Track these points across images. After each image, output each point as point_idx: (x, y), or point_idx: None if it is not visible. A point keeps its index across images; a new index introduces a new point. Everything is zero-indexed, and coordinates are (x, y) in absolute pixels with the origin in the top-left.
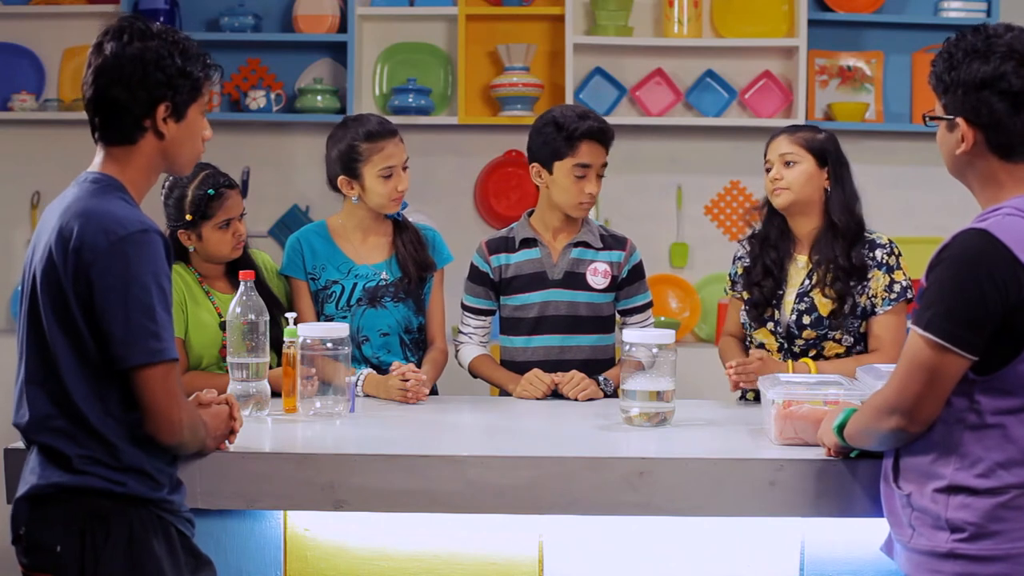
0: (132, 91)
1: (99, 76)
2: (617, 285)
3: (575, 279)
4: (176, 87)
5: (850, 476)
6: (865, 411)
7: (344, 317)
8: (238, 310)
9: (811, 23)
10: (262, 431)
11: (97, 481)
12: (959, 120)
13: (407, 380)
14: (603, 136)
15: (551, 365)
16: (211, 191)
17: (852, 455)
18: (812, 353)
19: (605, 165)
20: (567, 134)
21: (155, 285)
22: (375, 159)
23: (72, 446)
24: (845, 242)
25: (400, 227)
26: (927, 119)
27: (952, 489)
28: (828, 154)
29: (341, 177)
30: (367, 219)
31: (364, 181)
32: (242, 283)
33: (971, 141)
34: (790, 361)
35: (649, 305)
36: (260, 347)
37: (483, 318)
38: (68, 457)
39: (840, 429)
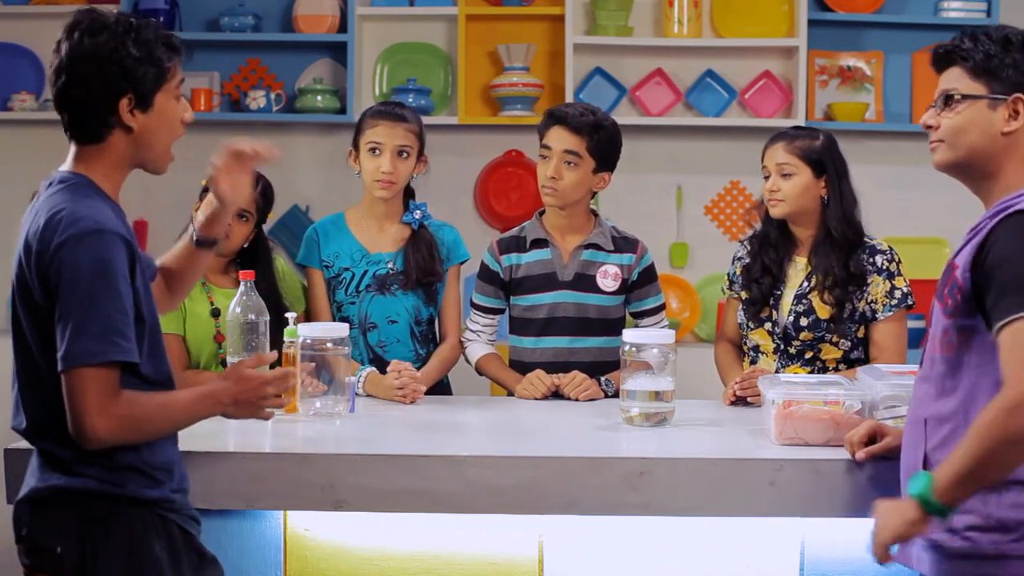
0: (90, 89)
1: (58, 77)
2: (628, 288)
3: (585, 281)
4: (136, 78)
5: (850, 476)
6: (980, 431)
7: (352, 303)
8: (238, 310)
9: (811, 23)
10: (262, 431)
11: (94, 483)
12: (1020, 96)
13: (402, 380)
14: (565, 120)
15: (559, 366)
16: None
17: (944, 517)
18: (808, 355)
19: (577, 155)
20: (544, 119)
21: (106, 286)
22: (367, 133)
23: (68, 448)
24: (843, 252)
25: (417, 232)
26: (956, 97)
27: (1003, 486)
28: (825, 162)
29: (350, 149)
30: (382, 210)
31: (360, 155)
32: (242, 283)
33: None
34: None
35: (661, 307)
36: (260, 347)
37: (492, 317)
38: (65, 460)
39: (926, 491)
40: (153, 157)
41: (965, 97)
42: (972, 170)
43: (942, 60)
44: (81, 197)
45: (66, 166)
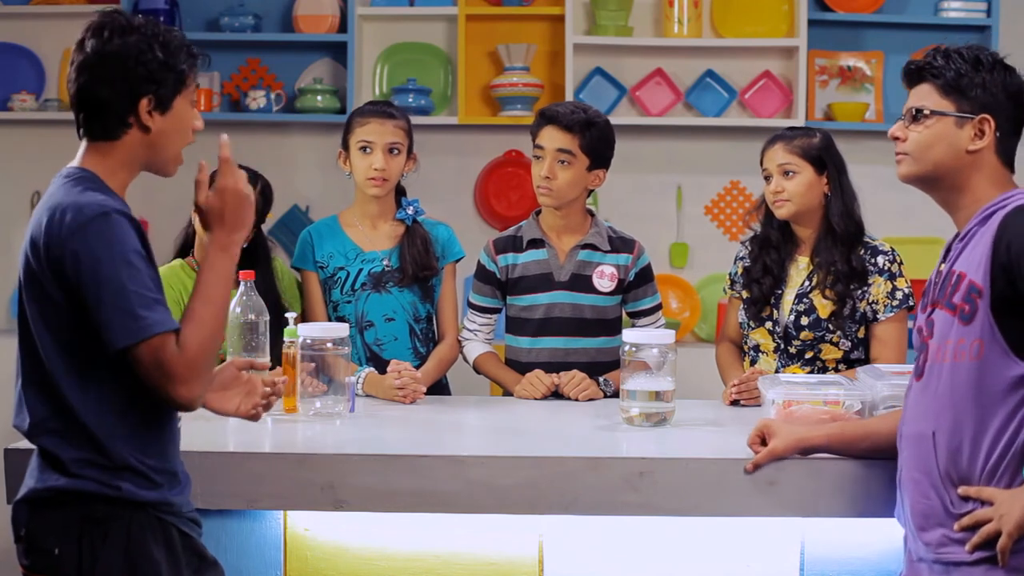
0: (114, 87)
1: (80, 74)
2: (624, 288)
3: (581, 281)
4: (159, 80)
5: (850, 476)
6: None
7: (348, 302)
8: (238, 310)
9: (811, 23)
10: (262, 431)
11: (92, 485)
12: (987, 116)
13: (402, 380)
14: (556, 119)
15: (556, 367)
16: None
17: None
18: (808, 355)
19: (570, 154)
20: (536, 119)
21: (123, 264)
22: (357, 131)
23: (67, 448)
24: (845, 247)
25: (411, 227)
26: (926, 112)
27: None
28: (825, 159)
29: (340, 150)
30: (375, 209)
31: (350, 154)
32: (242, 283)
33: (992, 139)
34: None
35: (658, 308)
36: (260, 347)
37: (489, 316)
38: (63, 461)
39: None
40: (164, 159)
41: (934, 113)
42: (937, 183)
43: (913, 75)
44: (84, 189)
45: (74, 163)
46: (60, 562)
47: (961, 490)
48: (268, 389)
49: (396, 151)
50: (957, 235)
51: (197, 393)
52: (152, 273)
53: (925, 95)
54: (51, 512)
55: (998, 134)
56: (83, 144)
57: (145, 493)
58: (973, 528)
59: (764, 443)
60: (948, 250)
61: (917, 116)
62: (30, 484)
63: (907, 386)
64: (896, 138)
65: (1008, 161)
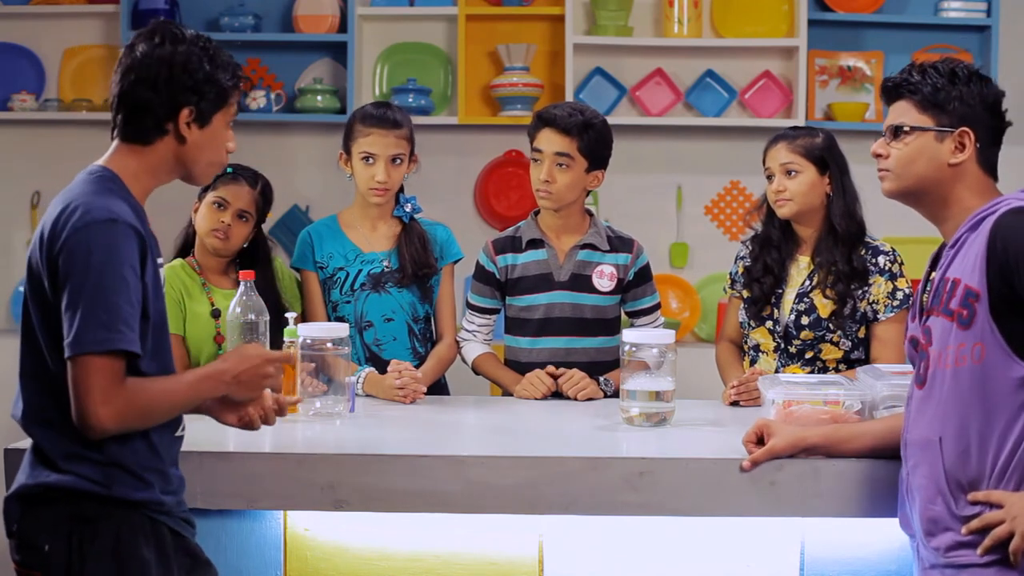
0: (157, 91)
1: (126, 74)
2: (624, 288)
3: (581, 281)
4: (202, 93)
5: (850, 476)
6: None
7: (348, 302)
8: (238, 310)
9: (811, 23)
10: (262, 431)
11: (83, 482)
12: (966, 129)
13: (403, 380)
14: (554, 122)
15: (556, 367)
16: (229, 169)
17: None
18: (809, 355)
19: (569, 157)
20: (533, 121)
21: (115, 275)
22: (360, 140)
23: (59, 442)
24: (846, 247)
25: (408, 226)
26: (906, 129)
27: None
28: (828, 159)
29: (341, 151)
30: (375, 211)
31: (352, 160)
32: (242, 283)
33: (972, 151)
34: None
35: (657, 307)
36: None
37: (488, 317)
38: (55, 455)
39: None
40: (196, 173)
41: (913, 129)
42: (921, 197)
43: (891, 92)
44: (101, 191)
45: (100, 161)
46: (49, 559)
47: (970, 495)
48: (274, 405)
49: (399, 161)
50: (945, 244)
51: (113, 425)
52: (140, 291)
53: (904, 111)
54: (41, 509)
55: (978, 145)
56: (113, 144)
57: (135, 493)
58: (982, 531)
59: (760, 442)
60: (937, 258)
61: (897, 133)
62: (21, 480)
63: (908, 394)
64: (878, 155)
65: (990, 170)
